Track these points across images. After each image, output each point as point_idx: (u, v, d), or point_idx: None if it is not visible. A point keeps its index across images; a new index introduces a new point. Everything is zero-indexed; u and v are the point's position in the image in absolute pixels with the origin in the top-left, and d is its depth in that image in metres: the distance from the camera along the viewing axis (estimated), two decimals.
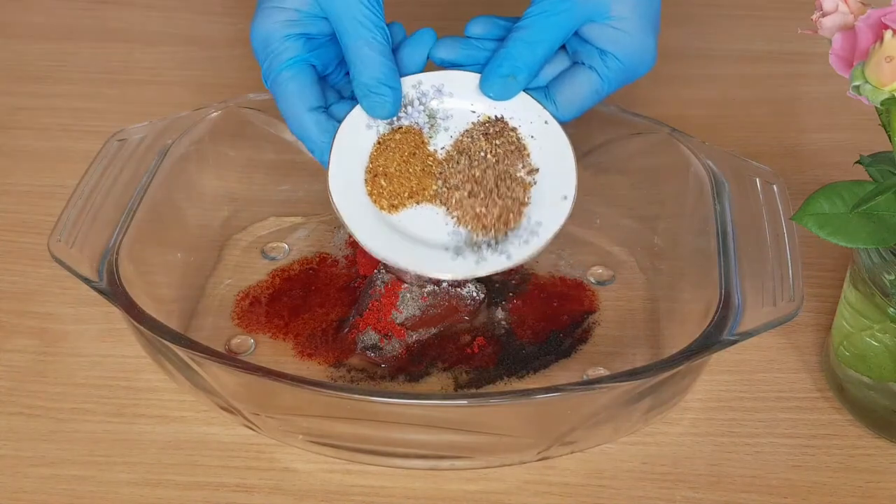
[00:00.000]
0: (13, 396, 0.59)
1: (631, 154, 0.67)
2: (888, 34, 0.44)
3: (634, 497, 0.53)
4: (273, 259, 0.68)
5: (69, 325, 0.63)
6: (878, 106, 0.46)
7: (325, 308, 0.63)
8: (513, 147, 0.57)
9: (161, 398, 0.58)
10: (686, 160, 0.63)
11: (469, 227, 0.55)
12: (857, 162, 0.52)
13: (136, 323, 0.52)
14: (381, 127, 0.57)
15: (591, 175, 0.69)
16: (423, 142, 0.57)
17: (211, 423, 0.57)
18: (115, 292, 0.53)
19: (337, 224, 0.66)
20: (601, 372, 0.60)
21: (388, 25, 0.56)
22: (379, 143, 0.56)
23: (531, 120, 0.58)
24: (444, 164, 0.57)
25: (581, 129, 0.68)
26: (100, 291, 0.53)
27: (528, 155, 0.57)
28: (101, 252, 0.55)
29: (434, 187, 0.56)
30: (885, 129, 0.49)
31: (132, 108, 0.82)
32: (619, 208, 0.69)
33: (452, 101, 0.58)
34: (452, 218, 0.55)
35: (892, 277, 0.51)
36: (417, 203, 0.56)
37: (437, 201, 0.56)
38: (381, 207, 0.55)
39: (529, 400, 0.51)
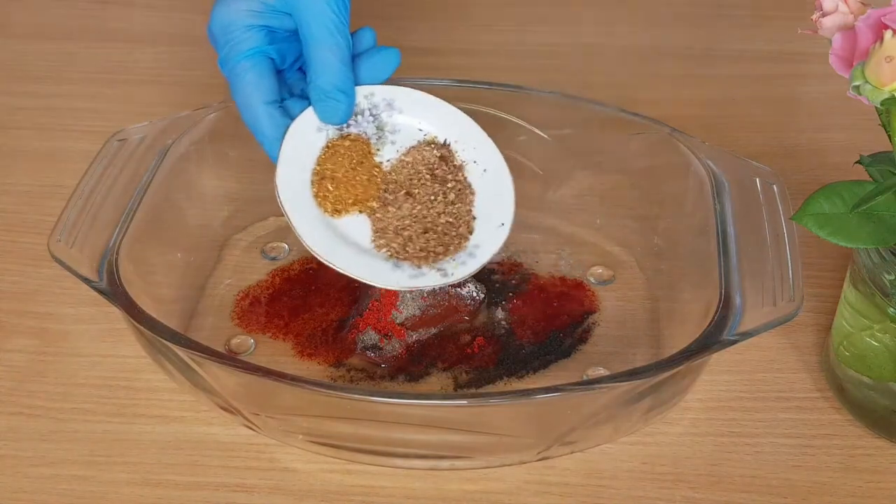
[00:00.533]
0: (13, 396, 0.59)
1: (631, 154, 0.67)
2: (888, 34, 0.44)
3: (634, 497, 0.53)
4: (273, 259, 0.68)
5: (69, 325, 0.63)
6: (878, 106, 0.46)
7: (325, 308, 0.63)
8: (461, 188, 0.58)
9: (161, 398, 0.58)
10: (686, 160, 0.63)
11: (405, 257, 0.56)
12: (857, 162, 0.52)
13: (136, 323, 0.52)
14: (331, 131, 0.57)
15: (591, 175, 0.69)
16: (370, 152, 0.58)
17: (211, 423, 0.57)
18: (115, 292, 0.53)
19: None
20: (601, 372, 0.60)
21: (359, 30, 0.57)
22: (328, 146, 0.57)
23: (474, 145, 0.59)
24: (388, 188, 0.57)
25: (581, 129, 0.68)
26: (100, 291, 0.53)
27: (474, 196, 0.58)
28: (101, 252, 0.55)
29: (373, 204, 0.57)
30: (885, 129, 0.49)
31: (132, 108, 0.82)
32: (619, 208, 0.69)
33: (402, 117, 0.59)
34: (388, 247, 0.56)
35: (892, 277, 0.51)
36: (360, 212, 0.57)
37: (376, 218, 0.57)
38: (325, 210, 0.56)
39: (529, 400, 0.51)
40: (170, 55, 0.89)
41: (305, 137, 0.57)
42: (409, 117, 0.59)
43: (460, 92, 0.69)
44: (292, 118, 0.56)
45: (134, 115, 0.71)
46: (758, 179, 0.60)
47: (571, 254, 0.68)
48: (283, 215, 0.55)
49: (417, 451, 0.54)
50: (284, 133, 0.56)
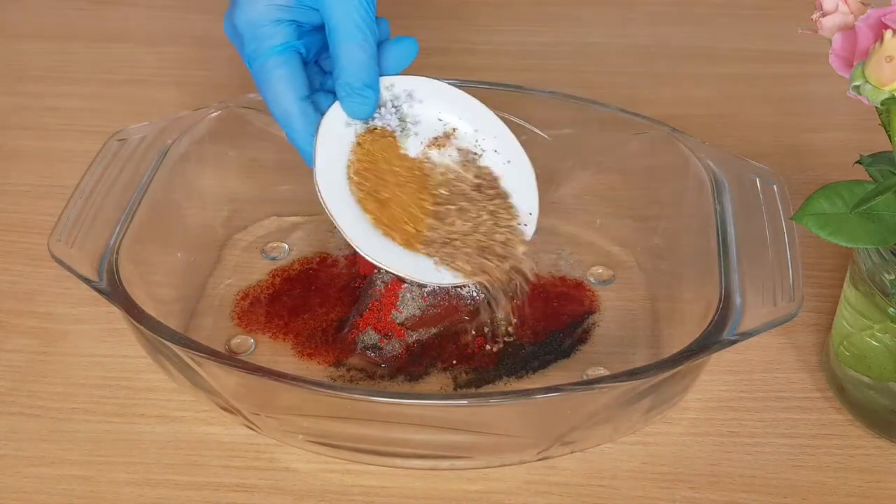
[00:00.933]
0: (13, 396, 0.59)
1: (631, 154, 0.67)
2: (888, 34, 0.44)
3: (634, 497, 0.53)
4: (273, 259, 0.68)
5: (69, 325, 0.63)
6: (878, 106, 0.46)
7: (325, 308, 0.63)
8: (500, 202, 0.58)
9: (161, 398, 0.58)
10: (686, 160, 0.63)
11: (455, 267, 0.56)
12: (857, 162, 0.52)
13: (136, 323, 0.52)
14: (359, 126, 0.57)
15: (591, 175, 0.69)
16: (397, 145, 0.58)
17: (211, 423, 0.57)
18: (115, 292, 0.53)
19: None
20: (601, 372, 0.60)
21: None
22: (358, 143, 0.57)
23: (494, 134, 0.59)
24: (436, 202, 0.57)
25: (581, 129, 0.68)
26: (100, 291, 0.53)
27: (514, 210, 0.58)
28: (101, 252, 0.55)
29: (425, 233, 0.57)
30: (885, 129, 0.49)
31: (132, 108, 0.82)
32: (619, 208, 0.69)
33: (422, 107, 0.59)
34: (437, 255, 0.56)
35: (892, 277, 0.51)
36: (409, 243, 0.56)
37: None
38: (365, 209, 0.56)
39: (529, 400, 0.51)
40: (170, 55, 0.89)
41: (336, 134, 0.56)
42: (429, 107, 0.59)
43: None
44: (321, 113, 0.56)
45: (134, 115, 0.71)
46: (758, 179, 0.60)
47: (571, 254, 0.68)
48: (316, 213, 0.55)
49: (417, 451, 0.54)
50: (316, 129, 0.56)
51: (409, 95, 0.59)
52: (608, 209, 0.69)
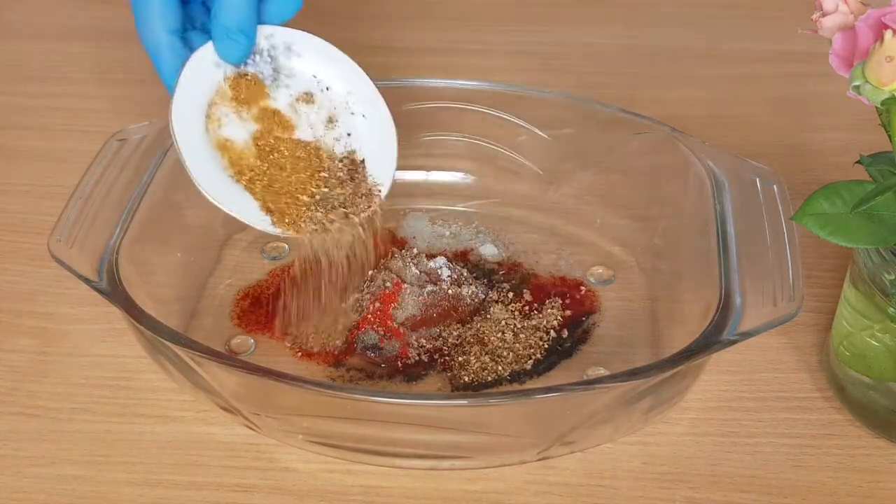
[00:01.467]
0: (13, 396, 0.59)
1: (631, 154, 0.67)
2: (888, 34, 0.44)
3: (634, 497, 0.53)
4: (273, 259, 0.68)
5: (69, 325, 0.63)
6: (878, 106, 0.46)
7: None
8: (350, 163, 0.60)
9: (161, 398, 0.58)
10: (686, 160, 0.63)
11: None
12: (857, 162, 0.52)
13: (136, 323, 0.52)
14: (229, 69, 0.58)
15: (591, 175, 0.69)
16: (265, 94, 0.59)
17: (211, 423, 0.57)
18: (115, 292, 0.53)
19: None
20: (601, 372, 0.60)
21: None
22: (229, 86, 0.58)
23: (367, 99, 0.61)
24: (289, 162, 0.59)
25: (581, 129, 0.68)
26: (100, 291, 0.53)
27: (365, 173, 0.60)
28: (101, 252, 0.55)
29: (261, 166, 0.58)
30: (885, 129, 0.49)
31: (132, 108, 0.82)
32: (619, 208, 0.69)
33: (299, 61, 0.60)
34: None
35: (892, 277, 0.51)
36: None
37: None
38: (217, 149, 0.57)
39: (529, 400, 0.51)
40: None
41: (203, 72, 0.57)
42: (306, 63, 0.60)
43: (461, 92, 0.69)
44: (192, 51, 0.57)
45: (134, 115, 0.71)
46: (758, 179, 0.60)
47: (571, 254, 0.68)
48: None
49: (417, 451, 0.54)
50: (183, 65, 0.56)
51: (288, 48, 0.59)
52: (608, 209, 0.69)
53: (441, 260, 0.64)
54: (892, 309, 0.52)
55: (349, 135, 0.60)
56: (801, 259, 0.54)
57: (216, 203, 0.56)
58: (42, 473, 0.55)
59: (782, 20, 0.93)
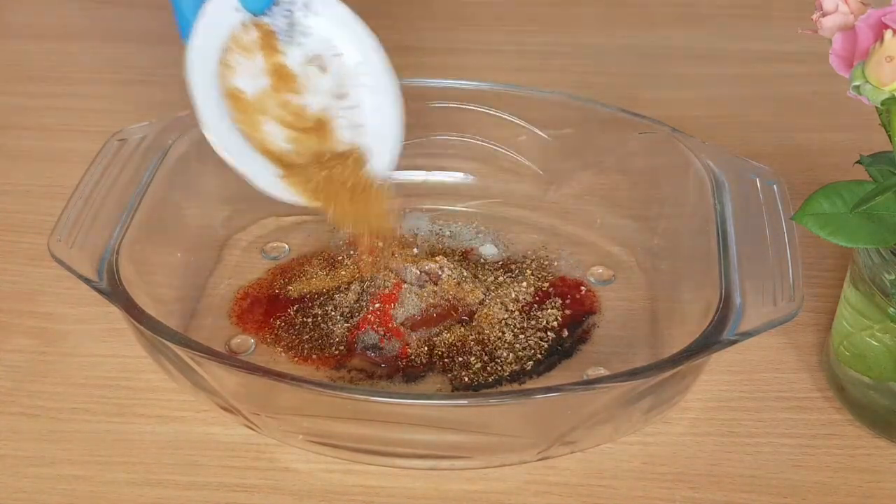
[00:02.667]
0: (13, 396, 0.59)
1: (631, 154, 0.67)
2: (888, 34, 0.44)
3: (634, 497, 0.53)
4: (273, 259, 0.68)
5: (69, 325, 0.63)
6: (878, 106, 0.46)
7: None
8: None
9: (161, 398, 0.58)
10: (686, 160, 0.63)
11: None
12: (857, 162, 0.52)
13: (136, 323, 0.52)
14: (246, 16, 0.58)
15: (591, 175, 0.69)
16: (277, 50, 0.58)
17: (211, 423, 0.57)
18: (115, 292, 0.53)
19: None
20: (601, 372, 0.60)
21: None
22: (242, 32, 0.58)
23: (378, 72, 0.60)
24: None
25: (581, 129, 0.68)
26: (100, 291, 0.53)
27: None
28: (101, 252, 0.55)
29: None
30: (886, 129, 0.49)
31: (132, 108, 0.82)
32: (619, 208, 0.69)
33: (316, 20, 0.59)
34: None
35: (892, 277, 0.51)
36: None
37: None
38: (229, 98, 0.57)
39: (529, 400, 0.51)
40: (170, 55, 0.89)
41: (221, 17, 0.57)
42: (323, 24, 0.59)
43: (460, 92, 0.69)
44: None
45: (134, 115, 0.71)
46: (758, 179, 0.60)
47: (571, 254, 0.68)
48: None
49: (417, 451, 0.54)
50: (203, 4, 0.56)
51: (306, 5, 0.59)
52: (608, 209, 0.69)
53: (441, 260, 0.64)
54: (892, 309, 0.52)
55: (355, 109, 0.60)
56: (801, 259, 0.54)
57: (218, 150, 0.56)
58: (42, 473, 0.55)
59: (782, 20, 0.93)
